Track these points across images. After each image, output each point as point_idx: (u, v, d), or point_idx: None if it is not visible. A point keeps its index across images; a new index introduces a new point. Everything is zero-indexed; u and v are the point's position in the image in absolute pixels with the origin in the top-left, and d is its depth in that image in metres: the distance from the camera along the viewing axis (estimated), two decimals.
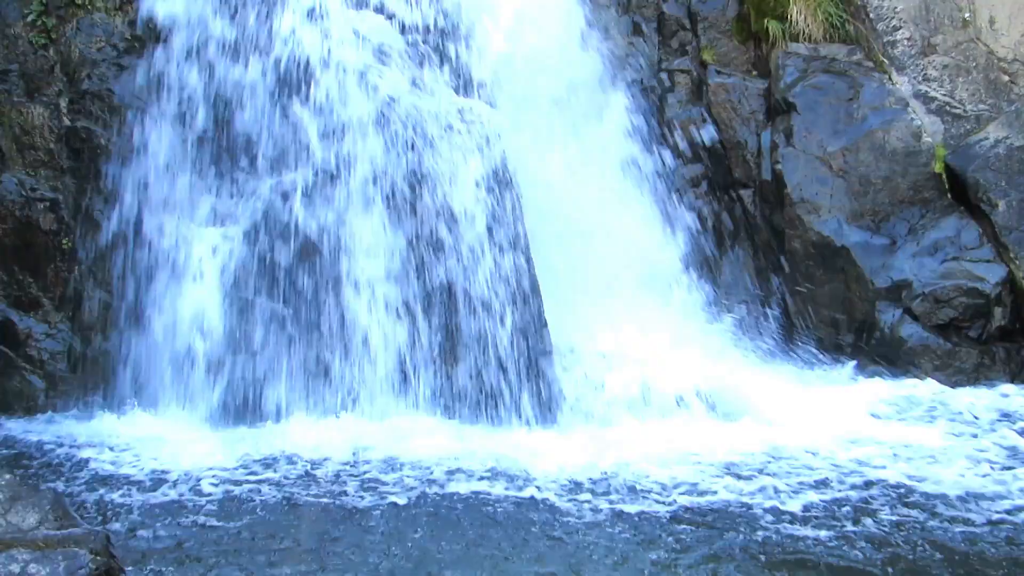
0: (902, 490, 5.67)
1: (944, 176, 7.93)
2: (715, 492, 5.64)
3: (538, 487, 5.70)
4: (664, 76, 8.64)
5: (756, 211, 8.16)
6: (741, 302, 8.01)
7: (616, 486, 5.71)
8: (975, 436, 6.46)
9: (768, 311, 7.99)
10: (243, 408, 6.81)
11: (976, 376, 7.31)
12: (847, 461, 6.01)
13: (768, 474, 5.85)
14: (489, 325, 6.87)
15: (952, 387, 7.28)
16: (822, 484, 5.71)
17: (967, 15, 8.32)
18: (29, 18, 7.66)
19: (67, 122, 7.50)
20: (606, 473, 5.88)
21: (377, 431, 6.47)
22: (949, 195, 7.90)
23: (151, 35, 7.63)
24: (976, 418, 6.72)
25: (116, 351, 7.21)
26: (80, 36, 7.63)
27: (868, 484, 5.72)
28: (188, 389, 7.00)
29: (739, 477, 5.83)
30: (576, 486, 5.71)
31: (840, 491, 5.62)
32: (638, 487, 5.69)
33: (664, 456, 6.08)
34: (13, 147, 7.42)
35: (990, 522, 5.23)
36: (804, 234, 7.81)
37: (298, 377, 6.94)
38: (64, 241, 7.35)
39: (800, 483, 5.72)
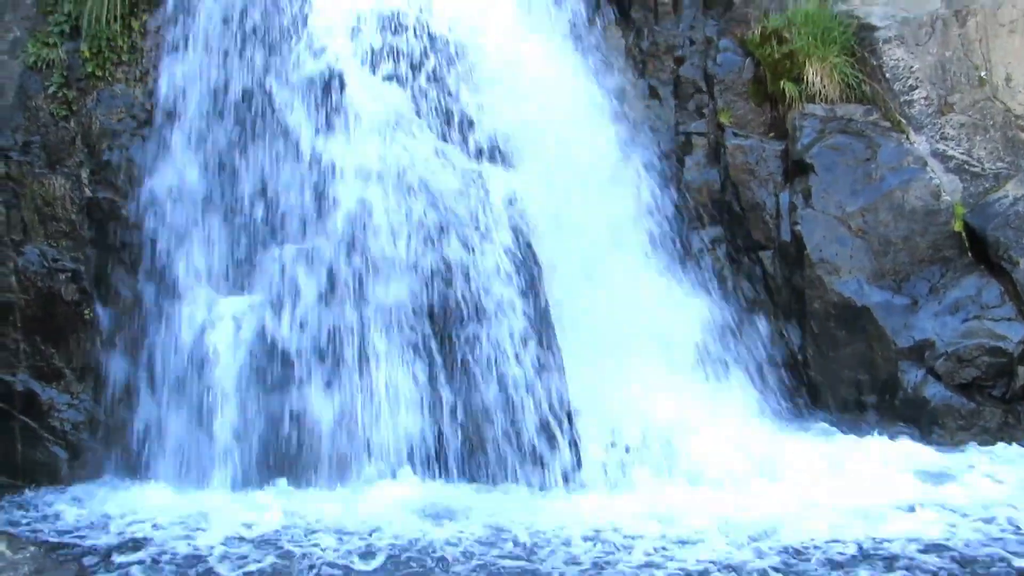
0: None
1: (964, 235, 8.39)
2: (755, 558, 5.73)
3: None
4: (681, 139, 9.12)
5: (776, 272, 8.61)
6: (762, 364, 8.41)
7: (632, 560, 5.81)
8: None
9: (790, 372, 8.41)
10: (265, 475, 7.15)
11: (1001, 435, 7.70)
12: (897, 530, 6.09)
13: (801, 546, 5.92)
14: (511, 390, 7.26)
15: (978, 447, 7.63)
16: (876, 555, 5.76)
17: (983, 73, 8.85)
18: (50, 90, 8.20)
19: (88, 193, 8.01)
20: (628, 536, 6.07)
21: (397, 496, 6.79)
22: (969, 254, 8.34)
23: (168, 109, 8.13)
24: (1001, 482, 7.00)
25: (138, 421, 7.60)
26: (100, 107, 8.18)
27: (927, 549, 5.78)
28: (210, 458, 7.34)
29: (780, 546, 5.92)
30: (595, 557, 5.84)
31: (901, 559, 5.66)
32: (655, 559, 5.80)
33: (690, 523, 6.27)
34: (35, 218, 7.93)
35: None
36: (825, 295, 8.27)
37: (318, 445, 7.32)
38: (86, 311, 7.82)
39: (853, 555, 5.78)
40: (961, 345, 7.90)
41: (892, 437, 7.87)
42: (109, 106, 8.18)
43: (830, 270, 8.29)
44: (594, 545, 6.04)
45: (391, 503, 6.67)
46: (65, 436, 7.69)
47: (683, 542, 6.03)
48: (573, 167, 8.44)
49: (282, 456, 7.22)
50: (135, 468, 7.57)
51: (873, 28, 9.07)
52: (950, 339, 7.94)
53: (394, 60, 8.00)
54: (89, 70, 8.26)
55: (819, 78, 8.90)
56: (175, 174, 8.01)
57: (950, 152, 8.65)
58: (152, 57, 8.35)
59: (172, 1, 8.28)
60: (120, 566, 5.95)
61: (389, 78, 8.07)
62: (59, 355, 7.80)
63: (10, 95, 8.17)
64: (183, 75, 8.14)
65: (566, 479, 7.07)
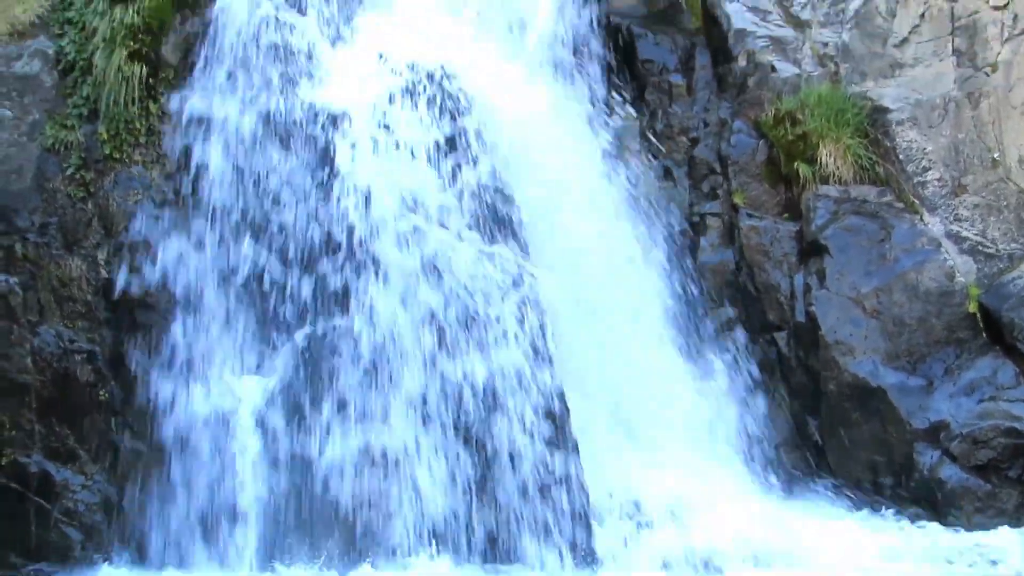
0: None
1: (979, 316, 8.88)
2: None
3: None
4: (696, 220, 9.69)
5: (791, 354, 9.12)
6: (778, 446, 8.87)
7: None
8: None
9: (806, 454, 8.88)
10: (286, 557, 7.56)
11: (1018, 517, 8.12)
12: None
13: None
14: (526, 474, 7.72)
15: (995, 529, 8.07)
16: None
17: (996, 155, 9.43)
18: (68, 172, 8.78)
19: (105, 274, 8.54)
20: None
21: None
22: (984, 335, 8.82)
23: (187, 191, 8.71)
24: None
25: (152, 504, 7.99)
26: (118, 189, 8.75)
27: None
28: (226, 543, 7.75)
29: None
30: None
31: None
32: None
33: None
34: (51, 299, 8.44)
35: None
36: (840, 376, 8.77)
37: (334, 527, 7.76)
38: (101, 393, 8.29)
39: None
40: (977, 426, 8.35)
41: (909, 519, 8.28)
42: (126, 187, 8.73)
43: (845, 351, 8.78)
44: None
45: None
46: (79, 517, 8.07)
47: None
48: (588, 248, 8.95)
49: (304, 536, 7.58)
50: (150, 550, 7.97)
51: (886, 110, 9.64)
52: (965, 420, 8.38)
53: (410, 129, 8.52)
54: (107, 152, 8.84)
55: (833, 159, 9.45)
56: (192, 255, 8.44)
57: (964, 233, 9.19)
58: (170, 139, 8.85)
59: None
60: None
61: (399, 146, 8.57)
62: (74, 436, 8.23)
63: (28, 177, 8.72)
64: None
65: (579, 557, 7.46)
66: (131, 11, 9.06)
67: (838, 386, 8.74)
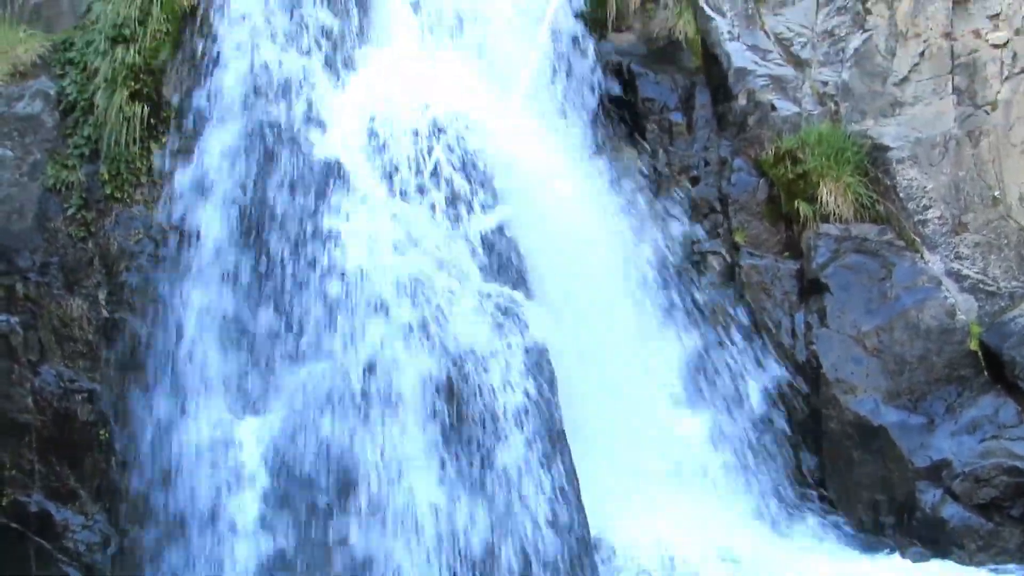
0: None
1: (980, 354, 9.10)
2: None
3: None
4: (696, 259, 9.96)
5: (792, 392, 9.37)
6: (779, 484, 9.09)
7: None
8: None
9: (807, 492, 9.10)
10: None
11: (1021, 556, 8.31)
12: None
13: None
14: (527, 524, 7.91)
15: (998, 567, 8.29)
16: None
17: (997, 193, 9.70)
18: (69, 212, 9.02)
19: (106, 314, 8.77)
20: None
21: None
22: (986, 373, 9.04)
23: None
24: None
25: (153, 545, 8.16)
26: (119, 229, 8.97)
27: None
28: None
29: None
30: None
31: None
32: None
33: None
34: (52, 339, 8.68)
35: None
36: (841, 414, 9.00)
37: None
38: (102, 432, 8.49)
39: None
40: (979, 465, 8.57)
41: (912, 558, 8.47)
42: (127, 227, 8.95)
43: (846, 389, 9.01)
44: None
45: None
46: (79, 557, 8.25)
47: None
48: (587, 288, 9.20)
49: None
50: None
51: (886, 148, 9.91)
52: (967, 459, 8.60)
53: (412, 176, 8.78)
54: (108, 192, 9.07)
55: (833, 198, 9.72)
56: (191, 296, 8.70)
57: (965, 271, 9.45)
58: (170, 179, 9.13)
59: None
60: None
61: (404, 193, 8.84)
62: (74, 476, 8.42)
63: (29, 217, 8.96)
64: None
65: None
66: (132, 51, 9.29)
67: (839, 424, 8.95)
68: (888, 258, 9.44)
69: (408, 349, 8.11)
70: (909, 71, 10.17)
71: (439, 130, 9.06)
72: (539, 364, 8.22)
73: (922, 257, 9.46)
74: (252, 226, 8.86)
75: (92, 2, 9.66)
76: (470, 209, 8.79)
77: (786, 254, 9.81)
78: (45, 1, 9.85)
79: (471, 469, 7.84)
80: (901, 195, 9.64)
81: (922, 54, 10.16)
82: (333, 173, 8.88)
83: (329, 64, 9.54)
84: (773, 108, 10.35)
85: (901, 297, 9.24)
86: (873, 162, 9.93)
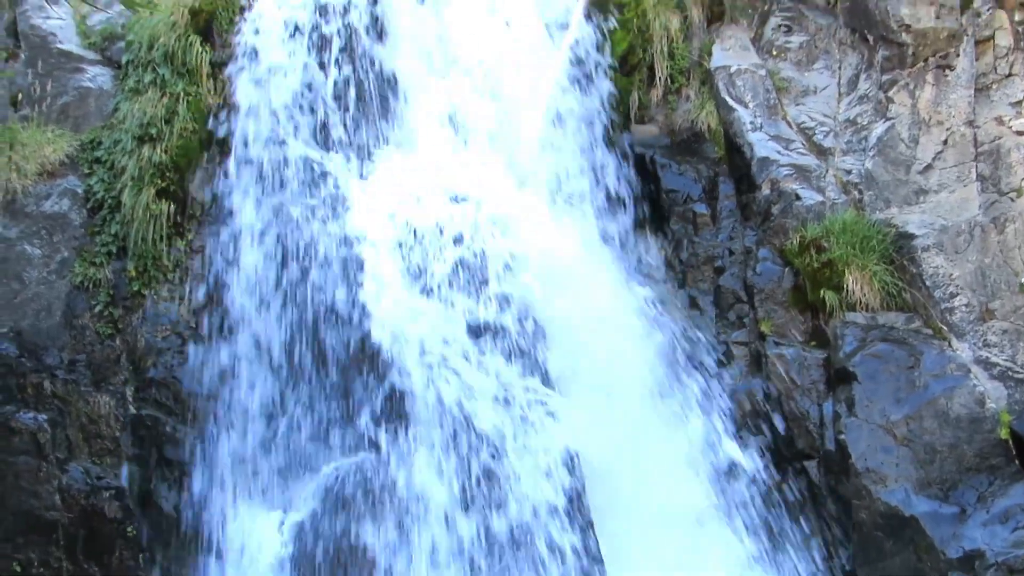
0: None
1: (1011, 442, 9.38)
2: None
3: None
4: (722, 349, 10.31)
5: (821, 482, 9.63)
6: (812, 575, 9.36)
7: None
8: None
9: None
10: None
11: None
12: None
13: None
14: None
15: None
16: None
17: (1023, 279, 10.06)
18: (96, 308, 9.50)
19: (133, 410, 9.18)
20: None
21: None
22: (1016, 461, 9.31)
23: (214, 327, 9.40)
24: None
25: None
26: (146, 325, 9.44)
27: None
28: None
29: None
30: None
31: None
32: None
33: None
34: (80, 436, 9.08)
35: None
36: (871, 505, 9.26)
37: None
38: (129, 529, 8.85)
39: None
40: (1012, 555, 8.77)
41: None
42: (154, 324, 9.42)
43: (876, 479, 9.28)
44: None
45: None
46: None
47: None
48: (612, 381, 9.56)
49: None
50: None
51: (911, 236, 10.26)
52: (1000, 549, 8.81)
53: (443, 275, 9.21)
54: (135, 289, 9.55)
55: (859, 286, 10.06)
56: (219, 391, 9.10)
57: (993, 359, 9.76)
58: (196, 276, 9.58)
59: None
60: None
61: (427, 291, 9.25)
62: (101, 573, 8.79)
63: (57, 314, 9.43)
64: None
65: None
66: (159, 150, 9.82)
67: (870, 515, 9.20)
68: (916, 346, 9.72)
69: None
70: (933, 159, 10.56)
71: (462, 224, 9.39)
72: (570, 464, 8.47)
73: (950, 345, 9.75)
74: (275, 316, 9.17)
75: (119, 102, 10.16)
76: (495, 299, 9.16)
77: (813, 343, 10.11)
78: (73, 101, 10.32)
79: None
80: (927, 283, 9.96)
81: (945, 142, 10.55)
82: (355, 266, 9.16)
83: (351, 160, 9.93)
84: (797, 197, 10.68)
85: (930, 385, 9.51)
86: (898, 250, 10.23)
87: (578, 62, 11.18)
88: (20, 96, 10.24)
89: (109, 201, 9.81)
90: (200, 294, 9.56)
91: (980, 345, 9.68)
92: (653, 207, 11.07)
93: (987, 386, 9.43)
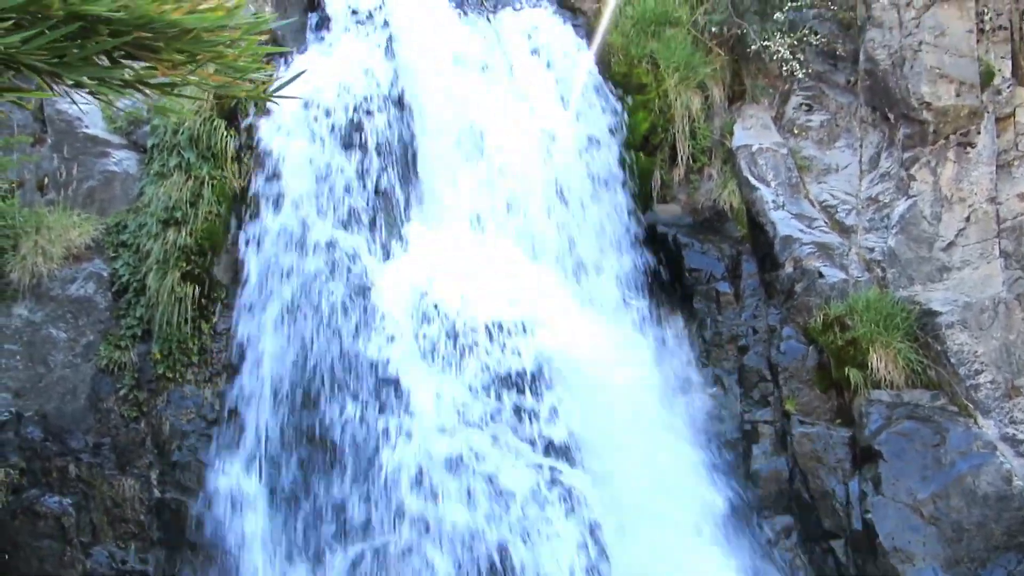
0: None
1: None
2: None
3: None
4: (747, 428, 10.58)
5: (849, 562, 9.85)
6: None
7: None
8: None
9: None
10: None
11: None
12: None
13: None
14: None
15: None
16: None
17: None
18: (121, 392, 9.83)
19: (157, 494, 9.49)
20: None
21: None
22: None
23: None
24: None
25: None
26: (170, 409, 9.76)
27: None
28: None
29: None
30: None
31: None
32: None
33: None
34: (104, 520, 9.38)
35: None
36: None
37: None
38: None
39: None
40: None
41: None
42: (179, 407, 9.73)
43: (904, 559, 9.51)
44: None
45: None
46: None
47: None
48: (637, 463, 9.82)
49: None
50: None
51: (935, 313, 10.55)
52: None
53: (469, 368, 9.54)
54: (160, 372, 9.87)
55: (883, 364, 10.34)
56: (243, 475, 9.40)
57: (1020, 436, 10.01)
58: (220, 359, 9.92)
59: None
60: None
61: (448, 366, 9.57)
62: None
63: (82, 397, 9.77)
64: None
65: None
66: (184, 233, 10.18)
67: None
68: (942, 424, 9.97)
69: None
70: (955, 236, 10.86)
71: (488, 317, 9.74)
72: (594, 540, 8.73)
73: (976, 422, 10.00)
74: (301, 403, 9.48)
75: (144, 185, 10.54)
76: (524, 391, 9.43)
77: (838, 421, 10.36)
78: (99, 185, 10.71)
79: None
80: (952, 360, 10.22)
81: (968, 219, 10.87)
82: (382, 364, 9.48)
83: (376, 241, 10.29)
84: (820, 275, 10.99)
85: (956, 463, 9.75)
86: (922, 327, 10.50)
87: (599, 143, 11.49)
88: (46, 180, 10.62)
89: (134, 284, 10.12)
90: (222, 379, 9.76)
91: (1006, 422, 9.92)
92: (676, 286, 11.28)
93: (1014, 463, 9.66)
